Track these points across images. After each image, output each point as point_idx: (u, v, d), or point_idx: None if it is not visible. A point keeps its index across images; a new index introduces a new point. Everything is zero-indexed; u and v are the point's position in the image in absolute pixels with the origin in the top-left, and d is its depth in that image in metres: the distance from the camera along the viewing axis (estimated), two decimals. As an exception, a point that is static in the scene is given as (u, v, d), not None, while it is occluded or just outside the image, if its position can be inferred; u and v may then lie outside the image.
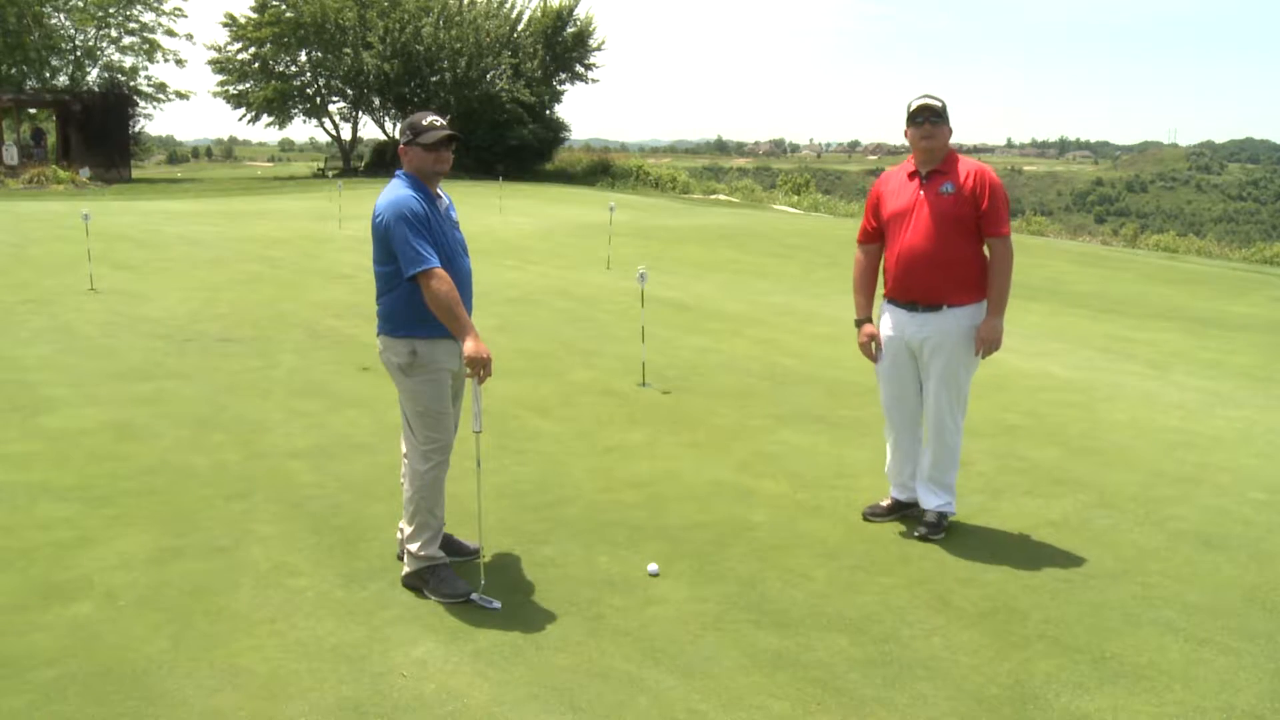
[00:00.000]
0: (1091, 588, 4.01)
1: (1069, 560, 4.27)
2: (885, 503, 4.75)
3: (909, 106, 4.39)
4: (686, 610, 3.77)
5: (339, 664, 3.35)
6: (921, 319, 4.41)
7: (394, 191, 3.77)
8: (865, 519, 4.71)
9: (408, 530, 3.90)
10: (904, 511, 4.70)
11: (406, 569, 3.92)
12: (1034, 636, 3.61)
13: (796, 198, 32.58)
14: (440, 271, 3.65)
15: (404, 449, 3.96)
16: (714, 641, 3.54)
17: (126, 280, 11.37)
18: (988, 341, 4.35)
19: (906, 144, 4.49)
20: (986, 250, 4.44)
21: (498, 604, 3.76)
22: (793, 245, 17.26)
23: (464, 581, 3.86)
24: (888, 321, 4.57)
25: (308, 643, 3.48)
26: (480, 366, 3.63)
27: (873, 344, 4.59)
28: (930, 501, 4.51)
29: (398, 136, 4.05)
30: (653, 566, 4.10)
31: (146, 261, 12.98)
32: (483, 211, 20.31)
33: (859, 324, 4.65)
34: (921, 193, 4.38)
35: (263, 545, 4.28)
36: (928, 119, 4.32)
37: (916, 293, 4.40)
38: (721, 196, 32.67)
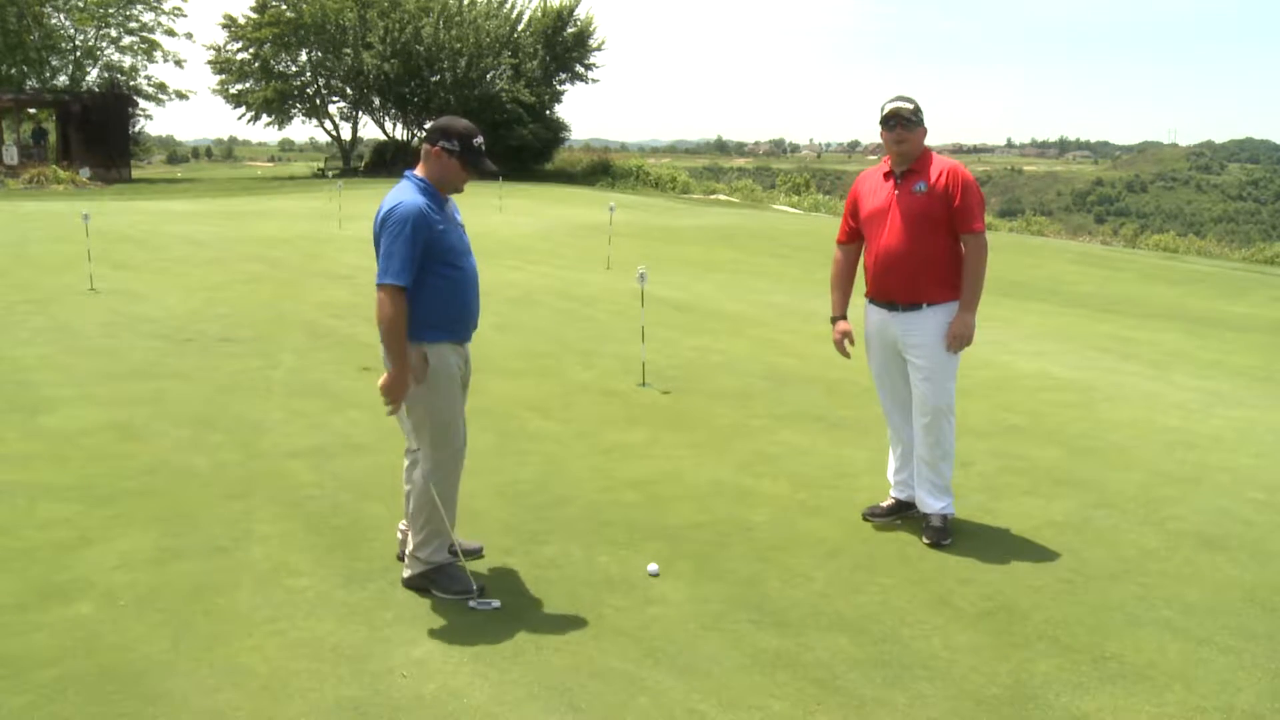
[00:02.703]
0: (1091, 588, 4.01)
1: (1069, 560, 4.27)
2: (885, 503, 4.75)
3: (882, 109, 4.41)
4: (686, 610, 3.77)
5: (339, 664, 3.35)
6: (903, 318, 4.44)
7: (406, 194, 3.62)
8: (865, 519, 4.71)
9: (416, 536, 3.83)
10: (904, 512, 4.70)
11: (409, 571, 3.90)
12: (1034, 636, 3.61)
13: (796, 198, 32.59)
14: (403, 295, 3.55)
15: (407, 450, 3.94)
16: (714, 641, 3.54)
17: (126, 280, 11.37)
18: (959, 337, 4.38)
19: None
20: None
21: (498, 604, 3.76)
22: (793, 245, 17.27)
23: (470, 577, 3.84)
24: (871, 321, 4.60)
25: (308, 643, 3.48)
26: (390, 396, 3.60)
27: (845, 341, 4.65)
28: (932, 505, 4.50)
29: (435, 139, 3.67)
30: (653, 566, 4.10)
31: (146, 261, 12.98)
32: (483, 211, 20.30)
33: (834, 321, 4.71)
34: (896, 193, 4.42)
35: (263, 545, 4.28)
36: (899, 124, 4.35)
37: (895, 292, 4.44)
38: (721, 196, 32.68)
